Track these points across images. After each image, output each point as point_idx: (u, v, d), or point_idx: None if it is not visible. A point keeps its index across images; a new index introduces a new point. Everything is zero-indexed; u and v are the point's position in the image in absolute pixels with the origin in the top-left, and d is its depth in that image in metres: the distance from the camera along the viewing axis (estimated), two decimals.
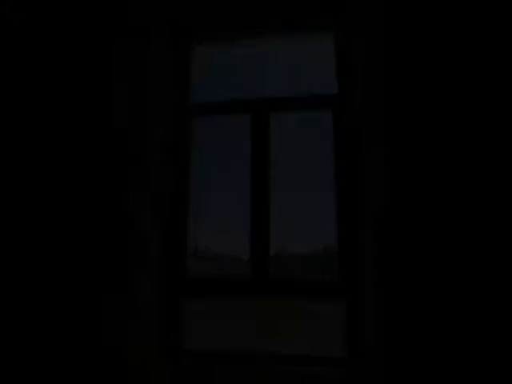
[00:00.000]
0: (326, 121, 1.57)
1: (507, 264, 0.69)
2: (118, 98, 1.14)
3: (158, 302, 1.46)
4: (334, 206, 1.48)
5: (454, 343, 0.66)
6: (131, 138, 1.38)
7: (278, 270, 1.61)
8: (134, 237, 1.32)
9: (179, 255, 1.56)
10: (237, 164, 1.68)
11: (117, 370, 1.04)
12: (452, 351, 0.66)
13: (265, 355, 1.41)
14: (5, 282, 0.70)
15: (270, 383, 1.31)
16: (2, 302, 0.69)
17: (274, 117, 1.62)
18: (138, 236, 1.34)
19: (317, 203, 1.59)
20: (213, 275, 1.73)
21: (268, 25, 1.69)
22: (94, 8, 0.83)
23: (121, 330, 1.13)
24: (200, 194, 1.66)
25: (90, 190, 0.79)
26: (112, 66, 0.88)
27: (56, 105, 0.77)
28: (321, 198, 1.59)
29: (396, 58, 0.82)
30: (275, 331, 1.47)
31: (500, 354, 0.67)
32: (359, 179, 1.42)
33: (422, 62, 0.78)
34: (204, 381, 1.35)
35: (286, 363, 1.34)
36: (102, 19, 0.83)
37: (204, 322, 1.50)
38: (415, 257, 0.75)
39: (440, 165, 0.74)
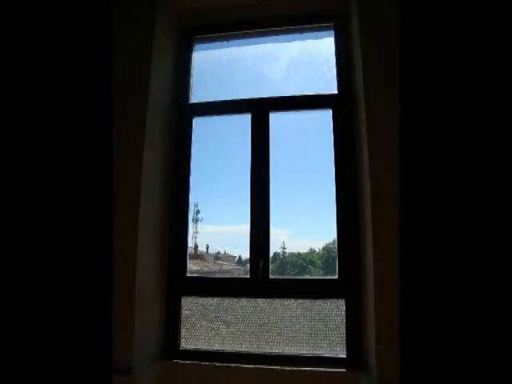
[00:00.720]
0: (325, 120, 1.57)
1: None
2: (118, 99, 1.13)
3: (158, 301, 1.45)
4: (334, 205, 1.48)
5: (458, 344, 0.66)
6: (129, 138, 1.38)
7: (278, 270, 1.61)
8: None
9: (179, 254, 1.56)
10: (237, 163, 1.68)
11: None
12: (457, 352, 0.66)
13: (264, 355, 1.40)
14: None
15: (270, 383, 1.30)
16: None
17: (273, 116, 1.61)
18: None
19: (317, 202, 1.59)
20: (212, 275, 1.73)
21: (268, 24, 1.68)
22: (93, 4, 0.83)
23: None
24: (200, 194, 1.66)
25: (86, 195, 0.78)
26: (112, 63, 0.87)
27: (54, 104, 0.77)
28: (321, 198, 1.59)
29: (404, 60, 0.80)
30: (275, 331, 1.47)
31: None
32: (359, 179, 1.42)
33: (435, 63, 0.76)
34: (203, 381, 1.35)
35: (285, 363, 1.33)
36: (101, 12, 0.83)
37: (204, 322, 1.50)
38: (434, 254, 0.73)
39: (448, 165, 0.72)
